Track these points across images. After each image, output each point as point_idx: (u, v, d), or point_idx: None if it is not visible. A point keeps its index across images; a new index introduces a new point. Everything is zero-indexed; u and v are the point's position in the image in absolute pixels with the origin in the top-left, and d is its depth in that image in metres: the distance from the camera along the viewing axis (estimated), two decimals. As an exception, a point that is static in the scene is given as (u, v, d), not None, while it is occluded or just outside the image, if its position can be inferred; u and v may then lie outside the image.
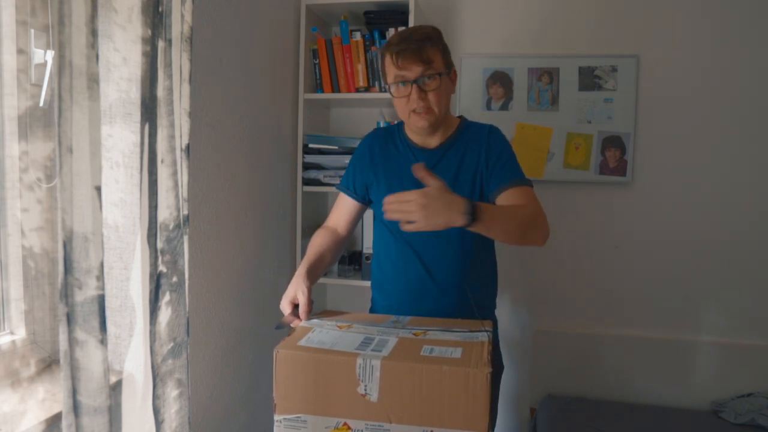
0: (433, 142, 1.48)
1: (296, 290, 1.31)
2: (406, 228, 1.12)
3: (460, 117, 1.54)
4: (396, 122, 1.60)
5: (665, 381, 2.24)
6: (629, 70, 2.22)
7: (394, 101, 1.43)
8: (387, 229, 1.53)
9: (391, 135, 1.54)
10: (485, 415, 1.00)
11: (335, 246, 1.53)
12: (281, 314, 1.32)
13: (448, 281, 1.47)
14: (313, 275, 1.38)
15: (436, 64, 1.37)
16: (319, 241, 1.50)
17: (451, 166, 1.45)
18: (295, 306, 1.31)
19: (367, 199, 1.57)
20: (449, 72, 1.42)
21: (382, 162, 1.52)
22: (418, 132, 1.46)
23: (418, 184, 1.19)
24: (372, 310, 1.63)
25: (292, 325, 1.26)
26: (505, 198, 1.38)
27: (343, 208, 1.59)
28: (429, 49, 1.36)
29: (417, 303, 1.46)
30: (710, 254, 2.24)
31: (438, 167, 1.43)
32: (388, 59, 1.39)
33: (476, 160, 1.44)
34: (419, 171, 1.15)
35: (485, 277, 1.56)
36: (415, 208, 1.10)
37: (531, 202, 1.37)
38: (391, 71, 1.39)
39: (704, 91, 2.20)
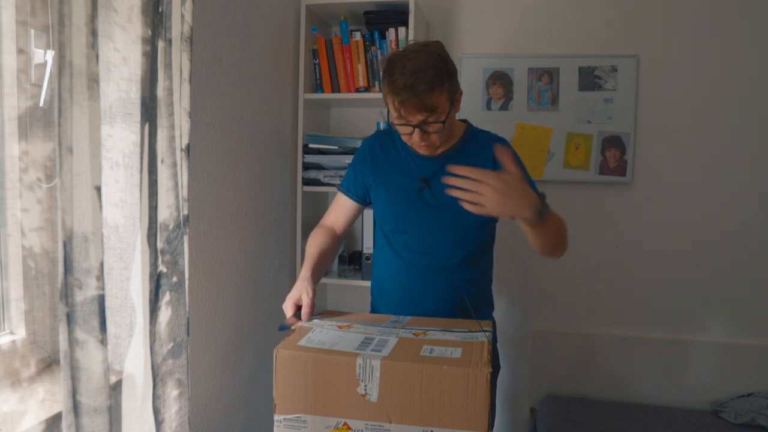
0: (437, 150, 1.45)
1: (301, 292, 1.32)
2: (472, 209, 1.10)
3: (465, 122, 1.52)
4: None
5: (665, 381, 2.24)
6: (629, 70, 2.22)
7: (395, 130, 1.39)
8: (384, 236, 1.54)
9: (391, 138, 1.53)
10: (485, 415, 1.00)
11: (334, 246, 1.54)
12: (284, 315, 1.32)
13: (446, 287, 1.47)
14: (316, 277, 1.39)
15: (440, 110, 1.31)
16: (319, 242, 1.50)
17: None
18: (298, 308, 1.31)
19: (367, 201, 1.57)
20: (452, 106, 1.35)
21: (382, 165, 1.52)
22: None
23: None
24: (372, 312, 1.63)
25: (293, 327, 1.27)
26: None
27: (341, 209, 1.59)
28: (432, 97, 1.28)
29: (414, 308, 1.45)
30: (710, 254, 2.24)
31: (439, 176, 1.35)
32: (389, 98, 1.32)
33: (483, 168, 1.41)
34: (502, 155, 1.11)
35: (482, 282, 1.56)
36: (490, 192, 1.09)
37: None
38: (392, 110, 1.33)
39: (704, 91, 2.20)
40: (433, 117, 1.31)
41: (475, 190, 1.11)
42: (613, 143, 2.26)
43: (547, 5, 2.28)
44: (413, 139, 1.36)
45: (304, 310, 1.29)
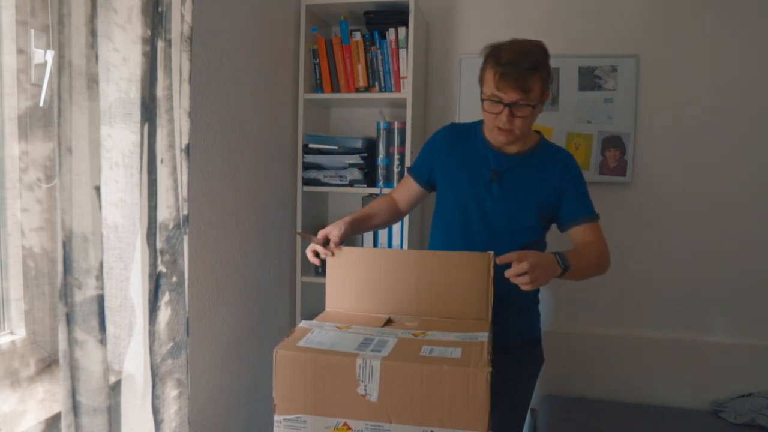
0: (511, 149, 1.52)
1: (334, 227, 1.41)
2: (527, 288, 1.26)
3: (538, 132, 1.59)
4: (472, 121, 1.63)
5: (665, 381, 2.24)
6: (629, 70, 2.22)
7: (483, 110, 1.46)
8: (442, 224, 1.60)
9: (469, 132, 1.59)
10: (485, 415, 1.00)
11: (390, 214, 1.66)
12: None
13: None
14: (355, 225, 1.49)
15: (533, 95, 1.39)
16: (376, 204, 1.63)
17: (525, 177, 1.51)
18: (325, 242, 1.40)
19: (431, 187, 1.66)
20: (541, 100, 1.43)
21: (458, 155, 1.57)
22: (494, 141, 1.52)
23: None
24: None
25: (305, 237, 1.42)
26: (578, 232, 1.50)
27: (408, 189, 1.68)
28: (532, 79, 1.37)
29: None
30: (710, 254, 2.24)
31: (513, 173, 1.50)
32: (489, 72, 1.41)
33: (549, 183, 1.50)
34: (505, 259, 1.27)
35: None
36: (531, 272, 1.24)
37: (598, 240, 1.49)
38: (489, 86, 1.41)
39: (704, 91, 2.20)
40: (525, 100, 1.38)
41: (526, 276, 1.25)
42: (613, 143, 2.26)
43: (547, 5, 2.28)
44: (499, 120, 1.41)
45: (333, 240, 1.38)
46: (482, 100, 1.45)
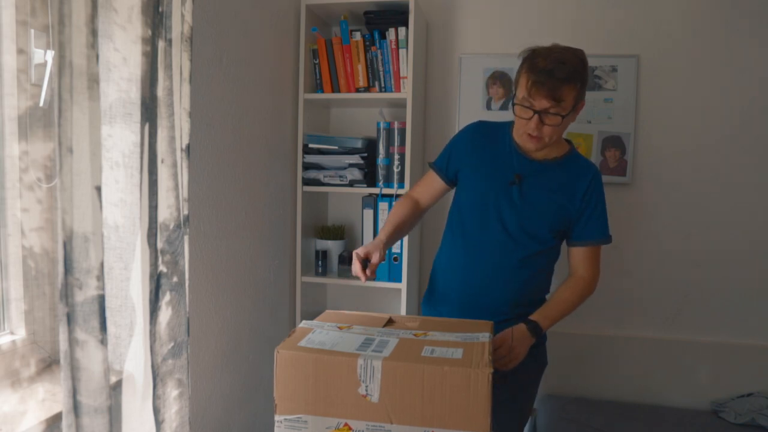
0: (538, 154, 1.51)
1: (372, 251, 1.45)
2: (511, 366, 1.40)
3: (569, 142, 1.58)
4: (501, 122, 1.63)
5: (665, 381, 2.24)
6: (629, 70, 2.22)
7: (514, 113, 1.46)
8: (458, 221, 1.61)
9: (499, 132, 1.58)
10: (486, 416, 1.00)
11: (414, 217, 1.66)
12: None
13: (502, 283, 1.55)
14: (389, 244, 1.54)
15: (565, 104, 1.37)
16: (400, 212, 1.62)
17: (547, 184, 1.50)
18: (364, 261, 1.45)
19: (454, 183, 1.65)
20: (574, 110, 1.42)
21: (485, 154, 1.56)
22: (523, 146, 1.51)
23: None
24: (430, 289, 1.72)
25: (355, 263, 1.44)
26: (580, 252, 1.55)
27: (430, 185, 1.67)
28: (565, 89, 1.36)
29: (471, 292, 1.56)
30: (710, 254, 2.24)
31: (535, 179, 1.50)
32: (524, 77, 1.40)
33: (570, 195, 1.50)
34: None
35: (532, 288, 1.62)
36: (514, 353, 1.40)
37: (592, 268, 1.56)
38: (522, 91, 1.41)
39: (704, 91, 2.20)
40: (556, 109, 1.37)
41: (511, 358, 1.41)
42: (613, 143, 2.26)
43: (547, 5, 2.28)
44: (528, 126, 1.41)
45: (371, 267, 1.43)
46: (514, 104, 1.44)
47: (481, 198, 1.55)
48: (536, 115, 1.38)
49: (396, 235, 1.58)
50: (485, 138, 1.58)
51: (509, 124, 1.56)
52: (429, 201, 1.69)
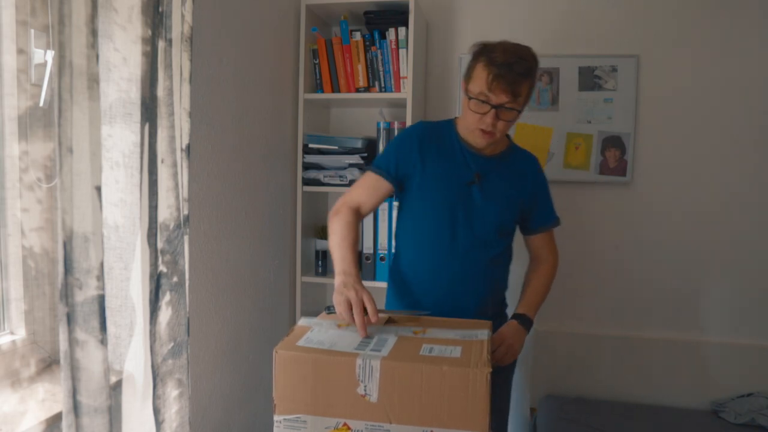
0: (485, 150, 1.52)
1: (356, 296, 1.22)
2: (511, 359, 1.49)
3: (507, 137, 1.60)
4: (443, 120, 1.63)
5: (665, 381, 2.24)
6: (629, 70, 2.22)
7: (466, 109, 1.44)
8: (413, 225, 1.56)
9: (443, 131, 1.55)
10: (485, 415, 1.00)
11: (358, 231, 1.51)
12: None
13: (476, 286, 1.55)
14: (359, 272, 1.39)
15: (520, 100, 1.39)
16: (347, 228, 1.46)
17: (502, 178, 1.52)
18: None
19: (400, 186, 1.55)
20: (523, 107, 1.44)
21: (433, 154, 1.52)
22: (473, 142, 1.50)
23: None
24: (389, 304, 1.64)
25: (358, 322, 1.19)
26: (540, 239, 1.64)
27: (377, 190, 1.54)
28: (523, 84, 1.37)
29: (445, 301, 1.49)
30: (710, 254, 2.24)
31: (494, 174, 1.51)
32: (480, 70, 1.38)
33: (523, 185, 1.55)
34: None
35: (501, 284, 1.66)
36: (513, 349, 1.47)
37: (554, 251, 1.67)
38: (479, 85, 1.38)
39: (704, 91, 2.20)
40: (512, 104, 1.38)
41: (510, 353, 1.48)
42: (613, 143, 2.25)
43: (547, 5, 2.28)
44: (482, 121, 1.40)
45: (371, 311, 1.21)
46: (469, 98, 1.41)
47: (442, 203, 1.50)
48: (493, 110, 1.38)
49: (357, 258, 1.42)
50: (431, 140, 1.53)
51: (451, 122, 1.55)
52: (371, 208, 1.58)
